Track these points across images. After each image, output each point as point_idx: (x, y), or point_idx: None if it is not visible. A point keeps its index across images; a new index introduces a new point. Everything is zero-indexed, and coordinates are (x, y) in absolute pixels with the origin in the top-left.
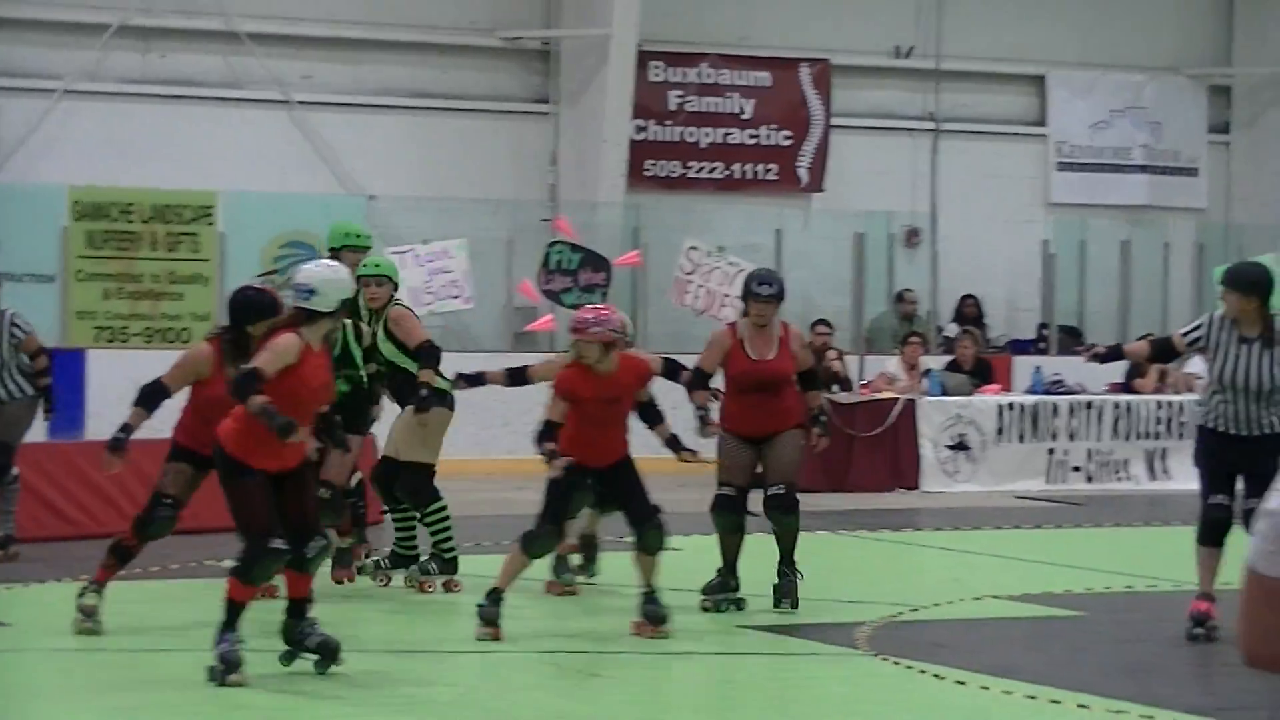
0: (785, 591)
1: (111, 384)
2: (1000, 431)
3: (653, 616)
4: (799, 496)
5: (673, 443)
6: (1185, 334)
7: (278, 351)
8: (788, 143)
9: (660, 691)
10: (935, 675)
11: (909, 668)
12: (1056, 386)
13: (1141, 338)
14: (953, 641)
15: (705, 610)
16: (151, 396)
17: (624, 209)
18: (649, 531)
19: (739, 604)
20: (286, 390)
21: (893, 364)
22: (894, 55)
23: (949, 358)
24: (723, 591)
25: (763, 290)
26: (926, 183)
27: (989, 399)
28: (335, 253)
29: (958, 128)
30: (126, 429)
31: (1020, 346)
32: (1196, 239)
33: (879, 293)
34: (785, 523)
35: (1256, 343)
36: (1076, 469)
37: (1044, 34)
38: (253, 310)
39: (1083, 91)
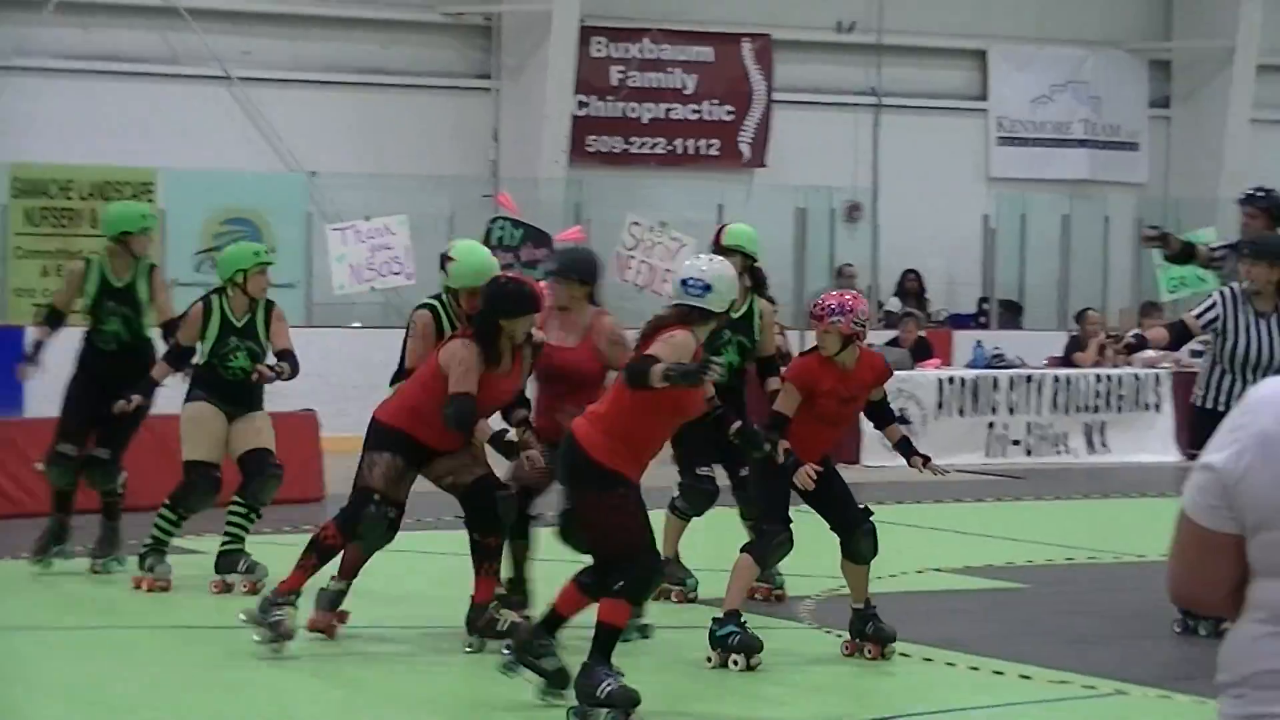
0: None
1: (50, 361)
2: (940, 405)
3: (880, 635)
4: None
5: (904, 446)
6: (1199, 315)
7: (677, 347)
8: (730, 118)
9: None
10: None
11: (839, 636)
12: (997, 360)
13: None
14: (895, 614)
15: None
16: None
17: (566, 184)
18: (862, 538)
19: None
20: (669, 399)
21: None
22: (836, 30)
23: (891, 333)
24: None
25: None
26: (868, 158)
27: (929, 373)
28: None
29: (899, 103)
30: None
31: (961, 321)
32: (1136, 213)
33: (821, 267)
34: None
35: (1272, 317)
36: (1016, 442)
37: (985, 9)
38: (514, 302)
39: (1023, 66)
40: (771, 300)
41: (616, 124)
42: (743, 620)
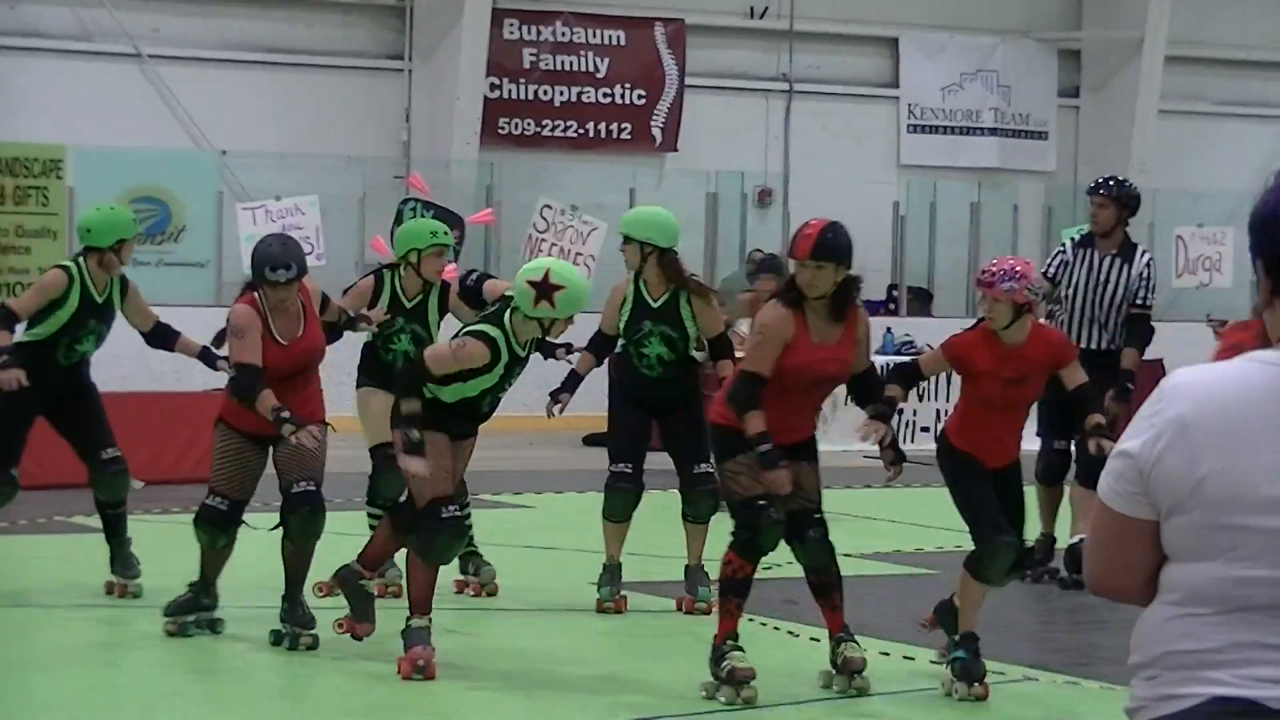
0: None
1: None
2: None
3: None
4: None
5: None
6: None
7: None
8: (642, 102)
9: (498, 648)
10: (790, 632)
11: (763, 624)
12: (907, 347)
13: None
14: (807, 598)
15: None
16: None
17: (478, 167)
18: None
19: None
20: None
21: (744, 325)
22: (748, 16)
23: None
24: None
25: (279, 276)
26: (780, 143)
27: None
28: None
29: (811, 89)
30: None
31: (871, 308)
32: (1045, 201)
33: (732, 252)
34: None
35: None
36: (926, 429)
37: None
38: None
39: (934, 54)
40: (699, 285)
41: (528, 106)
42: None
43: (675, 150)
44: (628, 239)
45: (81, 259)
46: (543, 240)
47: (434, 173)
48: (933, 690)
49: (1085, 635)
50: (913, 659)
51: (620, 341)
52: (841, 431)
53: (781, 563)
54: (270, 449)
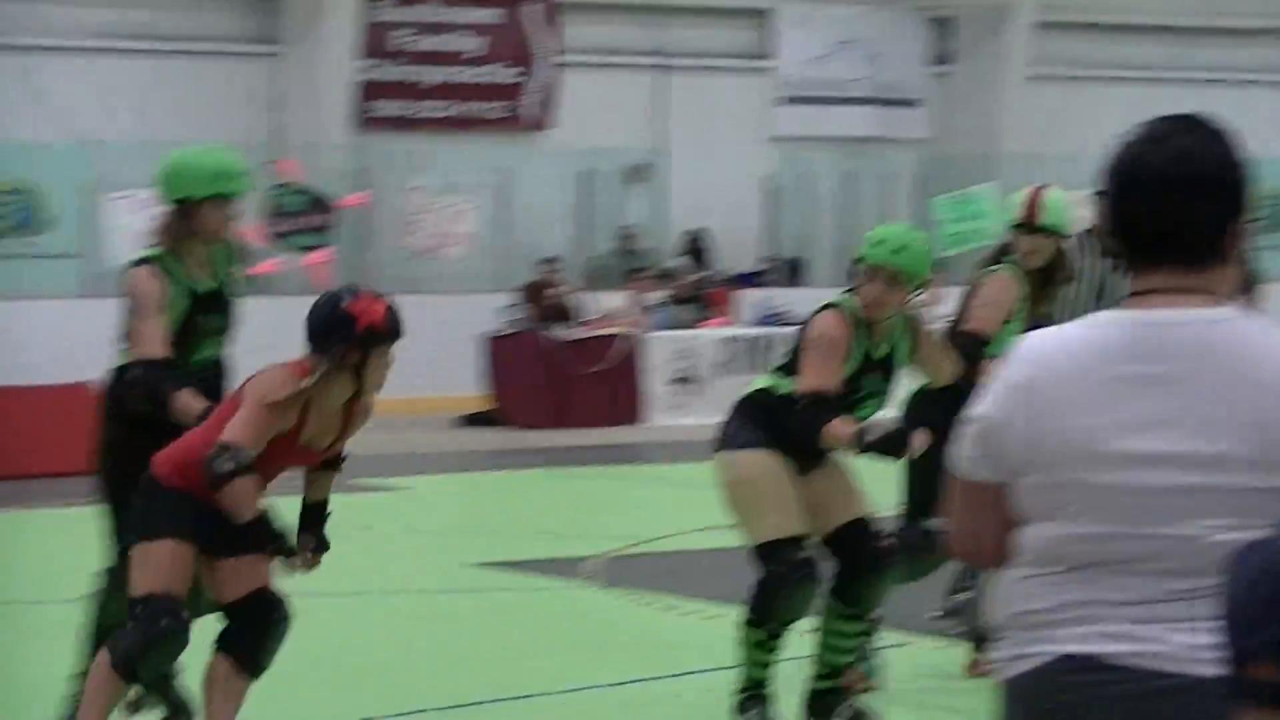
0: None
1: None
2: (723, 364)
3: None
4: None
5: None
6: None
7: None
8: (516, 80)
9: (374, 630)
10: (665, 606)
11: (638, 599)
12: (779, 318)
13: None
14: (681, 572)
15: None
16: None
17: (351, 150)
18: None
19: None
20: None
21: (618, 299)
22: None
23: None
24: None
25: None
26: (654, 118)
27: (713, 332)
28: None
29: (684, 63)
30: None
31: (745, 279)
32: (918, 170)
33: (607, 229)
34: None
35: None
36: None
37: None
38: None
39: (805, 24)
40: None
41: (401, 88)
42: None
43: (551, 128)
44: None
45: None
46: (417, 222)
47: (307, 157)
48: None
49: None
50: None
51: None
52: (716, 406)
53: (654, 536)
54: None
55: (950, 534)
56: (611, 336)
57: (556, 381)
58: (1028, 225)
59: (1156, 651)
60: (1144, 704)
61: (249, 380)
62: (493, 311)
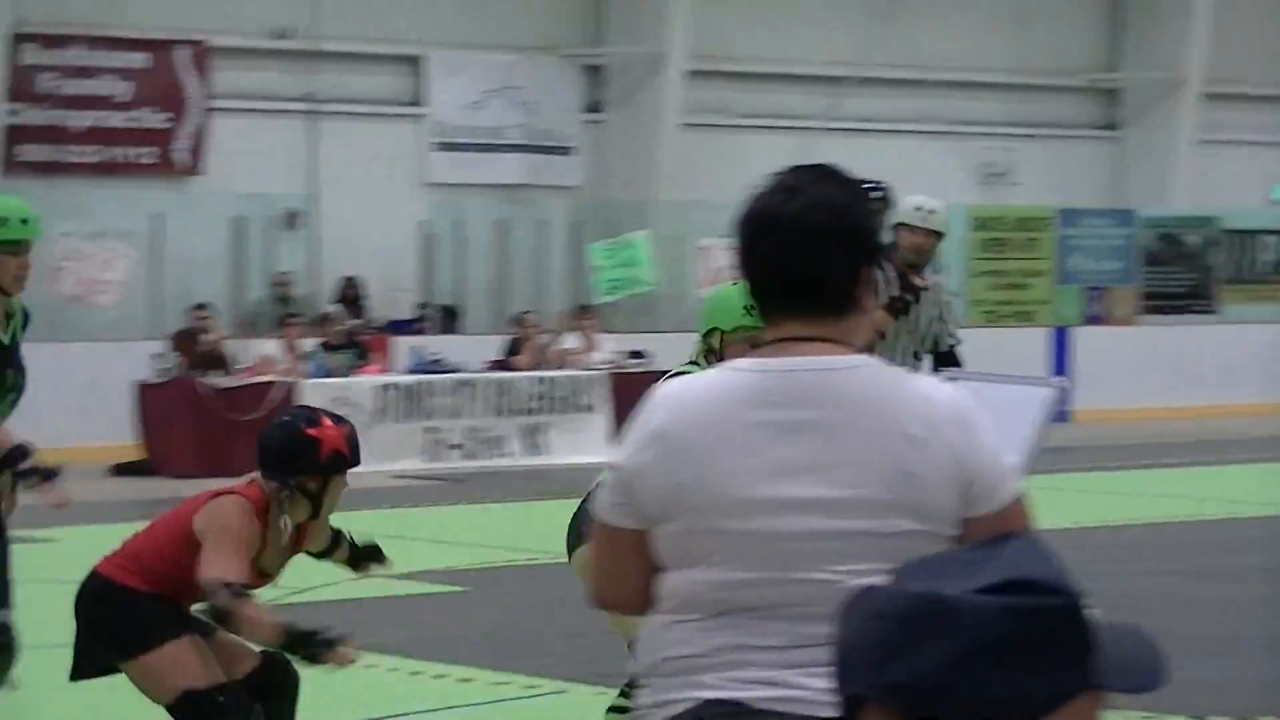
0: None
1: None
2: (380, 411)
3: None
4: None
5: None
6: None
7: None
8: (166, 125)
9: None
10: None
11: None
12: (435, 365)
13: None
14: (335, 621)
15: None
16: None
17: None
18: None
19: None
20: None
21: (271, 346)
22: (272, 37)
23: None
24: None
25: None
26: (307, 164)
27: (368, 379)
28: None
29: (337, 109)
30: None
31: (400, 326)
32: (572, 217)
33: (261, 276)
34: None
35: None
36: (456, 446)
37: (420, 14)
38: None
39: (458, 71)
40: None
41: (48, 132)
42: None
43: (202, 173)
44: None
45: None
46: (62, 269)
47: None
48: (471, 705)
49: (615, 645)
50: (444, 677)
51: None
52: (371, 454)
53: (305, 586)
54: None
55: (594, 581)
56: (266, 384)
57: (209, 430)
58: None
59: (799, 697)
60: None
61: (194, 509)
62: (144, 359)
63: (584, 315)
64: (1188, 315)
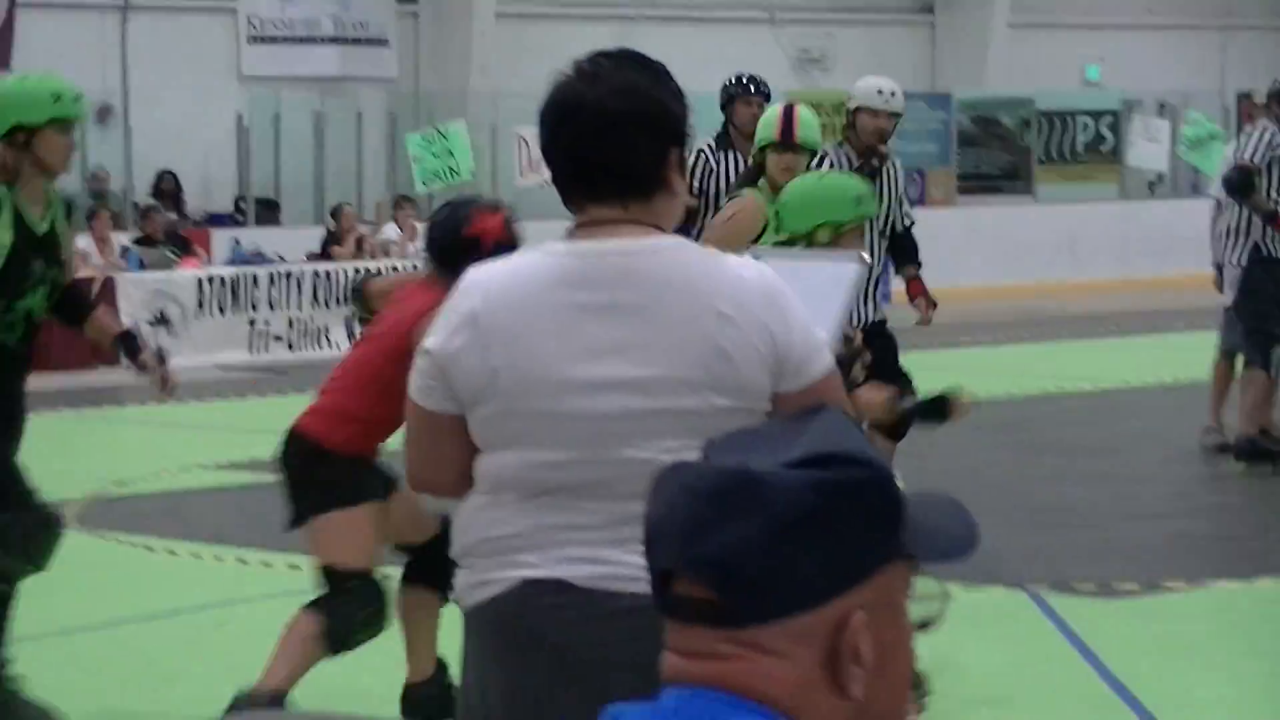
0: None
1: None
2: (201, 305)
3: None
4: None
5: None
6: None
7: None
8: None
9: None
10: (145, 547)
11: (118, 542)
12: (256, 258)
13: None
14: (161, 513)
15: None
16: None
17: None
18: None
19: None
20: None
21: (84, 241)
22: None
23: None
24: None
25: None
26: (119, 61)
27: (189, 273)
28: None
29: (147, 3)
30: None
31: (218, 220)
32: (388, 108)
33: (75, 171)
34: None
35: None
36: (279, 338)
37: None
38: None
39: None
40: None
41: None
42: None
43: (9, 70)
44: None
45: None
46: None
47: None
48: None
49: None
50: (270, 565)
51: None
52: (194, 347)
53: (133, 478)
54: None
55: (409, 463)
56: (84, 279)
57: None
58: (783, 143)
59: (615, 574)
60: (603, 624)
61: (395, 339)
62: None
63: (402, 206)
64: (1004, 195)
